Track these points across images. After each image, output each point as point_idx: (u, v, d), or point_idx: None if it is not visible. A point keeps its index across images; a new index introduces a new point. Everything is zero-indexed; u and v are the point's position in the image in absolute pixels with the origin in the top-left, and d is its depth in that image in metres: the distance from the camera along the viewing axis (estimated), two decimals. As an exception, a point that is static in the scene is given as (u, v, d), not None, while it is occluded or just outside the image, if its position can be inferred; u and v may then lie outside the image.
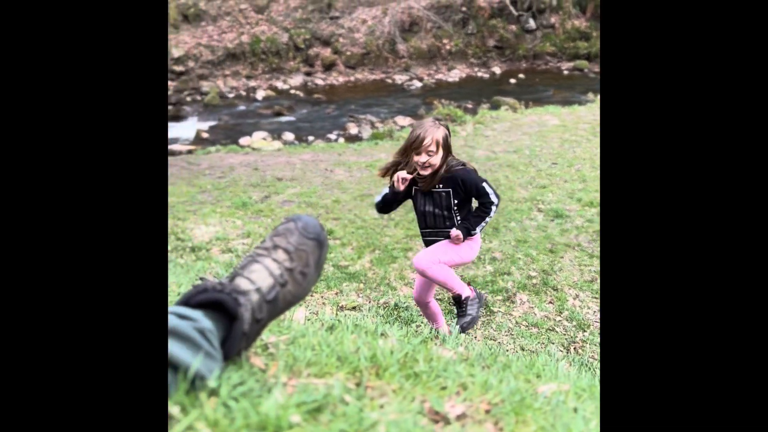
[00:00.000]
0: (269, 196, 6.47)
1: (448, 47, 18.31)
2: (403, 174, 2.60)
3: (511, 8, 18.39)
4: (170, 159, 9.19)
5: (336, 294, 3.89)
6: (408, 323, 2.95)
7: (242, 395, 0.79)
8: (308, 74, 17.53)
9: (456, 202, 2.60)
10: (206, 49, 17.45)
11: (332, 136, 11.76)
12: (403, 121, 12.41)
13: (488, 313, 3.69)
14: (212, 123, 13.22)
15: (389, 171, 2.65)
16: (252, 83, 16.88)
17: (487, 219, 2.62)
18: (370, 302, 3.79)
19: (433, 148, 2.48)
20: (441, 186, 2.58)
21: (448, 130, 2.57)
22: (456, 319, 2.80)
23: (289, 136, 11.75)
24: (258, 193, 6.63)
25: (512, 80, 16.68)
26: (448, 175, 2.55)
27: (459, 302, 2.71)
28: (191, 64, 17.03)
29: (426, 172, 2.54)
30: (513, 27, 18.59)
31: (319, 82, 17.15)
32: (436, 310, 2.96)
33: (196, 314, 0.84)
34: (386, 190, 2.74)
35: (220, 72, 17.10)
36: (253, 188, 6.84)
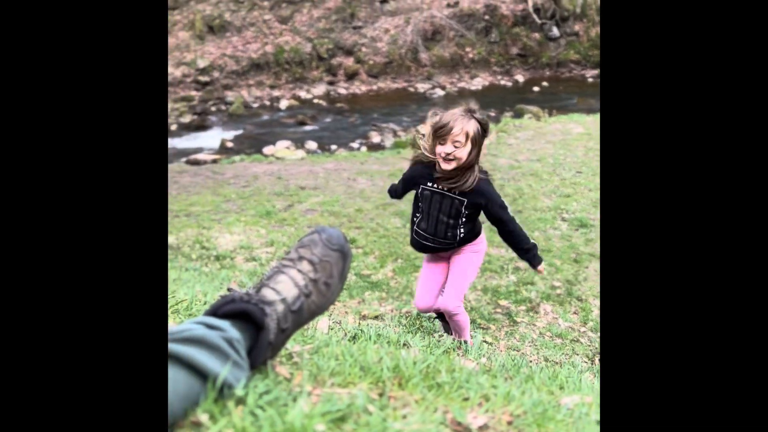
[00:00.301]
0: (292, 205, 6.53)
1: (470, 55, 18.30)
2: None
3: (535, 16, 18.33)
4: (195, 168, 9.33)
5: (358, 303, 3.90)
6: (430, 333, 2.95)
7: (268, 404, 0.81)
8: (331, 83, 17.67)
9: (467, 213, 2.35)
10: (231, 60, 17.70)
11: (355, 145, 11.82)
12: (425, 129, 12.40)
13: (511, 324, 3.67)
14: (237, 132, 13.39)
15: (417, 155, 2.39)
16: (276, 93, 17.07)
17: (516, 230, 2.44)
18: (392, 311, 3.80)
19: (461, 138, 2.16)
20: (457, 193, 2.30)
21: (482, 125, 2.23)
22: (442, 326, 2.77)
23: (312, 145, 11.85)
24: (281, 202, 6.70)
25: (536, 88, 16.59)
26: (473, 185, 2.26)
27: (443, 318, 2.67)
28: (216, 74, 17.29)
29: (449, 167, 2.21)
30: (536, 35, 18.52)
31: (342, 91, 17.27)
32: (465, 322, 2.67)
33: (224, 324, 0.87)
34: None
35: (244, 82, 17.33)
36: (277, 197, 6.91)
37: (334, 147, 11.74)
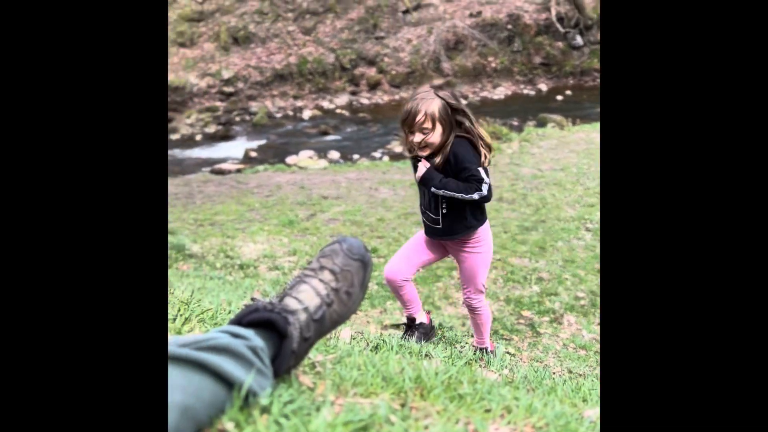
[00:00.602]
0: (315, 215, 6.58)
1: (493, 65, 18.28)
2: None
3: (558, 25, 18.25)
4: (220, 178, 9.45)
5: (380, 312, 3.91)
6: (452, 344, 2.94)
7: (293, 413, 0.82)
8: (353, 94, 17.79)
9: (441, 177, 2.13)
10: (255, 71, 17.93)
11: (377, 155, 11.87)
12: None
13: (534, 335, 3.64)
14: (260, 142, 13.54)
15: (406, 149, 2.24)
16: (299, 103, 17.23)
17: (457, 195, 2.08)
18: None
19: (428, 124, 2.02)
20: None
21: (448, 100, 2.07)
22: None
23: (334, 154, 11.92)
24: (304, 211, 6.75)
25: (559, 97, 16.49)
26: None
27: (481, 351, 2.47)
28: (240, 85, 17.53)
29: (425, 153, 2.11)
30: (560, 44, 18.43)
31: (364, 101, 17.36)
32: (412, 294, 2.49)
33: (249, 333, 0.89)
34: None
35: (268, 92, 17.53)
36: (300, 206, 6.96)
37: (356, 156, 11.80)
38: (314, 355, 1.21)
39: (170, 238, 5.46)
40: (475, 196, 2.06)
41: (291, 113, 16.55)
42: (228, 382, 0.80)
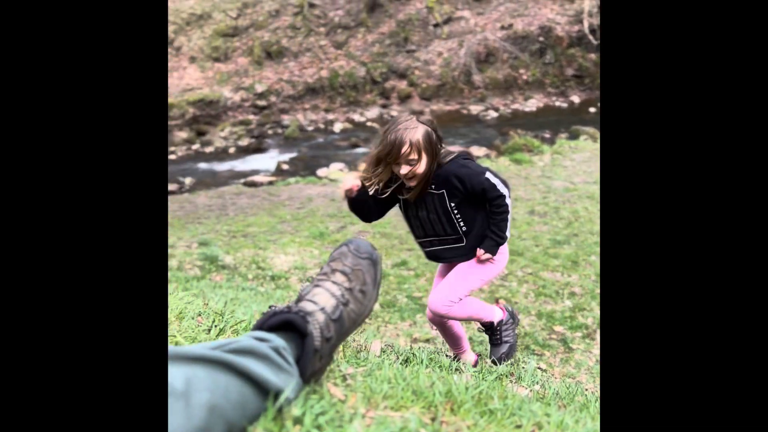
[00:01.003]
0: (345, 227, 6.61)
1: (524, 77, 18.19)
2: (350, 180, 2.07)
3: (590, 37, 18.09)
4: (252, 190, 9.59)
5: (410, 325, 3.90)
6: (482, 358, 2.92)
7: (325, 424, 0.84)
8: (384, 107, 17.90)
9: (453, 205, 2.04)
10: (287, 84, 18.20)
11: (407, 167, 11.88)
12: (478, 151, 12.37)
13: (567, 350, 3.59)
14: (292, 155, 13.70)
15: (368, 185, 2.06)
16: (330, 116, 17.40)
17: (507, 217, 2.05)
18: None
19: (414, 156, 1.92)
20: (433, 187, 2.03)
21: (430, 125, 1.99)
22: (489, 348, 2.35)
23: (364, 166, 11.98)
24: (334, 223, 6.79)
25: (592, 109, 16.30)
26: (438, 172, 2.00)
27: (492, 330, 2.26)
28: (273, 98, 17.79)
29: (412, 184, 2.01)
30: (592, 56, 18.25)
31: (395, 114, 17.44)
32: (459, 332, 2.36)
33: (270, 335, 0.92)
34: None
35: (300, 106, 17.76)
36: (330, 219, 7.01)
37: (386, 169, 11.83)
38: (345, 367, 1.22)
39: (204, 249, 5.55)
40: (507, 203, 2.04)
41: (322, 126, 16.72)
42: (254, 382, 0.82)
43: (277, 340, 0.90)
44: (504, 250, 2.19)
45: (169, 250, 5.66)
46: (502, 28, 18.71)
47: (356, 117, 17.30)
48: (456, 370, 1.63)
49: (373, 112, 17.61)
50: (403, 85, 18.27)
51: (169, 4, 18.84)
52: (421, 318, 4.04)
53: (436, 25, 18.96)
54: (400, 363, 1.48)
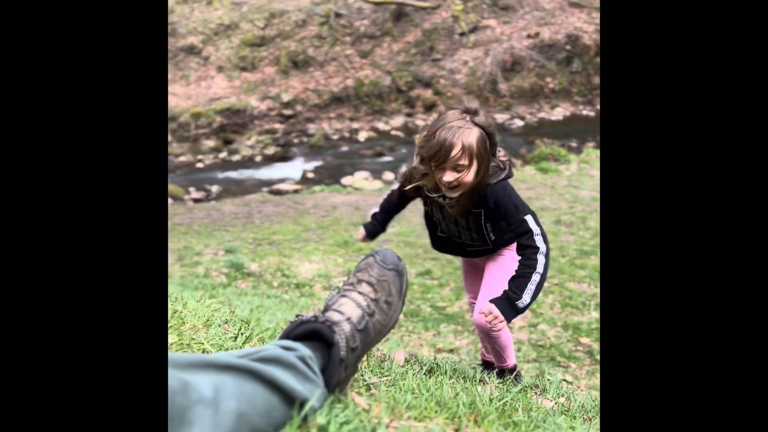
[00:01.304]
0: (370, 235, 6.63)
1: (551, 85, 18.06)
2: (361, 233, 2.07)
3: (618, 45, 17.90)
4: (278, 198, 9.68)
5: (433, 335, 3.89)
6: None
7: (348, 434, 0.84)
8: (409, 115, 17.92)
9: (488, 225, 1.82)
10: (313, 94, 18.36)
11: (432, 176, 11.87)
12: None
13: (593, 363, 3.54)
14: (317, 163, 13.80)
15: (411, 182, 1.87)
16: (355, 125, 17.50)
17: (536, 277, 1.69)
18: (467, 345, 3.76)
19: (464, 161, 1.64)
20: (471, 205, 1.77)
21: (488, 127, 1.68)
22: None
23: (389, 176, 12.01)
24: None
25: (619, 118, 16.10)
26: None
27: (502, 373, 1.98)
28: (299, 108, 17.96)
29: (454, 194, 1.72)
30: (620, 64, 18.05)
31: (420, 122, 17.45)
32: (506, 341, 2.01)
33: (297, 345, 0.93)
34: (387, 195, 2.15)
35: (325, 115, 17.89)
36: (354, 227, 7.04)
37: (411, 178, 11.83)
38: (369, 377, 1.23)
39: (230, 257, 5.62)
40: (540, 267, 1.71)
41: (347, 135, 16.82)
42: (280, 391, 0.83)
43: (303, 349, 0.92)
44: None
45: (196, 258, 5.74)
46: (529, 36, 18.63)
47: (381, 126, 17.36)
48: (480, 381, 1.62)
49: (397, 120, 17.65)
50: (428, 93, 18.29)
51: (198, 14, 19.17)
52: (445, 328, 4.02)
53: (461, 34, 18.95)
54: (424, 373, 1.48)
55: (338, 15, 19.80)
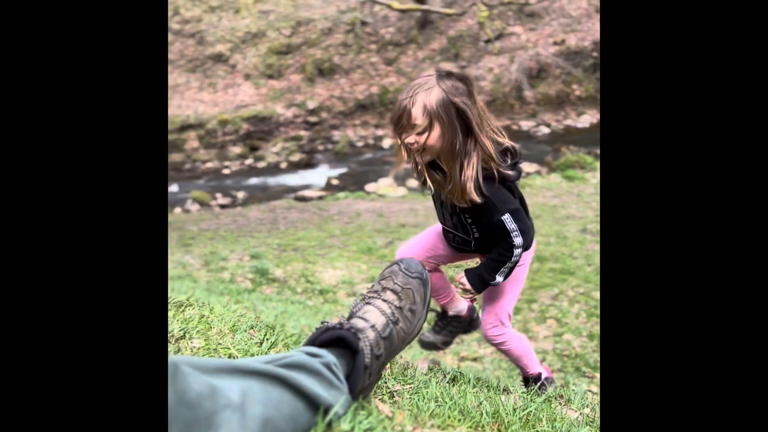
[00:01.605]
0: (393, 242, 6.63)
1: (577, 93, 17.89)
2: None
3: (646, 51, 17.68)
4: (303, 205, 9.75)
5: (456, 344, 3.87)
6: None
7: (372, 441, 0.85)
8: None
9: (470, 220, 1.75)
10: (338, 101, 18.48)
11: (456, 183, 11.83)
12: (528, 167, 12.21)
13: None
14: (341, 170, 13.87)
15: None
16: (379, 132, 17.55)
17: (508, 265, 1.72)
18: (491, 354, 3.73)
19: (419, 121, 1.51)
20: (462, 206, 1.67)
21: (453, 96, 1.52)
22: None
23: (413, 183, 12.01)
24: (382, 238, 6.83)
25: (647, 125, 15.87)
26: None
27: (530, 382, 2.01)
28: (324, 115, 18.09)
29: (424, 159, 1.62)
30: (648, 70, 17.82)
31: (445, 129, 17.42)
32: (521, 350, 2.01)
33: (322, 351, 0.94)
34: None
35: (350, 122, 17.99)
36: (378, 234, 7.05)
37: (435, 185, 11.82)
38: (392, 384, 1.23)
39: (255, 262, 5.68)
40: (514, 258, 1.70)
41: (371, 142, 16.87)
42: (305, 397, 0.84)
43: (328, 356, 0.93)
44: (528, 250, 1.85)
45: (222, 263, 5.81)
46: (555, 43, 18.50)
47: (406, 133, 17.36)
48: (504, 390, 1.61)
49: (422, 127, 17.65)
50: (452, 101, 18.24)
51: (226, 22, 19.47)
52: (468, 336, 4.00)
53: (487, 41, 18.91)
54: (447, 382, 1.48)
55: (364, 23, 19.92)
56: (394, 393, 1.18)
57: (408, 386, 1.24)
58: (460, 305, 2.17)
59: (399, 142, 1.63)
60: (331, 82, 19.30)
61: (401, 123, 1.56)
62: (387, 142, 16.46)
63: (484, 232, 1.76)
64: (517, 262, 1.74)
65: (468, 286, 1.78)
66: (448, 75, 1.57)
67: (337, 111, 18.24)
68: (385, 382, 1.24)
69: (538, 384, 1.96)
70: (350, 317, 1.07)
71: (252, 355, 1.28)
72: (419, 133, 1.55)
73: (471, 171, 1.58)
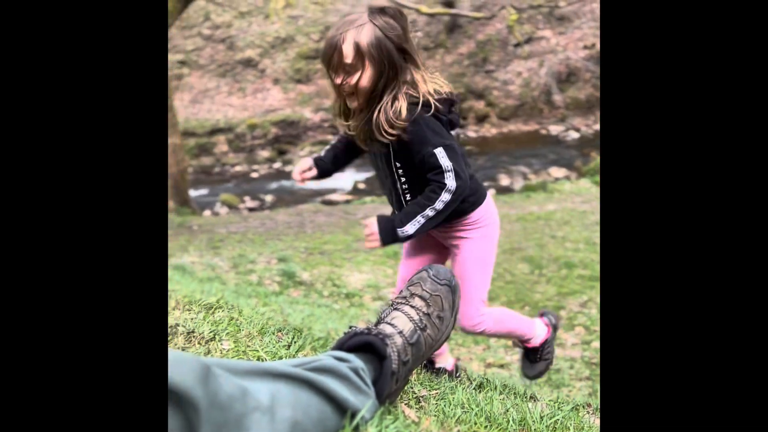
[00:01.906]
0: (420, 247, 6.63)
1: (607, 97, 17.66)
2: (302, 165, 1.73)
3: (679, 55, 17.36)
4: (330, 208, 9.81)
5: (483, 350, 3.85)
6: (558, 387, 2.84)
7: (399, 446, 0.85)
8: (460, 127, 17.85)
9: (398, 165, 1.55)
10: (366, 105, 18.56)
11: (483, 188, 11.78)
12: (557, 172, 12.10)
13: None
14: (368, 174, 13.90)
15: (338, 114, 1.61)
16: (407, 136, 17.57)
17: (430, 212, 1.46)
18: (519, 361, 3.70)
19: (352, 60, 1.41)
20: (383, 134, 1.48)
21: (387, 32, 1.43)
22: (522, 362, 1.97)
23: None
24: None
25: (680, 130, 15.57)
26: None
27: (533, 350, 1.91)
28: (352, 119, 18.20)
29: (354, 104, 1.49)
30: (681, 74, 17.49)
31: (471, 134, 17.36)
32: (509, 326, 1.85)
33: (350, 356, 0.95)
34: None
35: (377, 126, 18.05)
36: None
37: (462, 189, 11.78)
38: (418, 389, 1.24)
39: (282, 265, 5.73)
40: (440, 203, 1.46)
41: (399, 146, 16.88)
42: (333, 401, 0.85)
43: (356, 360, 0.94)
44: (489, 218, 1.69)
45: (250, 266, 5.87)
46: (585, 47, 18.29)
47: (433, 137, 17.33)
48: (531, 398, 1.60)
49: (449, 132, 17.60)
50: (480, 105, 18.20)
51: (256, 28, 19.72)
52: (495, 342, 3.98)
53: (516, 45, 18.79)
54: (474, 388, 1.48)
55: (392, 27, 19.95)
56: (420, 398, 1.18)
57: (434, 392, 1.24)
58: (448, 359, 1.94)
59: (330, 82, 1.50)
60: (358, 86, 19.38)
61: (332, 62, 1.45)
62: (414, 147, 16.44)
63: (413, 178, 1.55)
64: (442, 212, 1.47)
65: (372, 230, 1.51)
66: (381, 11, 1.45)
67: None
68: (411, 387, 1.24)
69: (543, 351, 1.85)
70: (378, 323, 1.07)
71: (280, 357, 1.29)
72: (349, 73, 1.44)
73: (399, 103, 1.45)
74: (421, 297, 1.11)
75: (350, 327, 1.04)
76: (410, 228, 1.49)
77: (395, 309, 1.10)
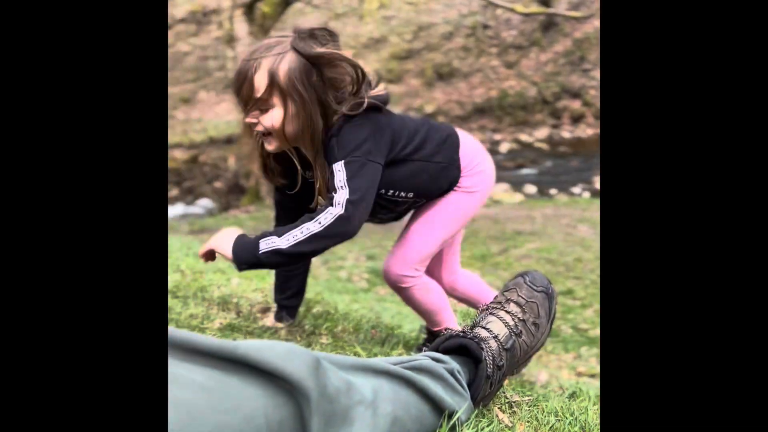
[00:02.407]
0: (507, 250, 6.53)
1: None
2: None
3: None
4: (418, 207, 9.85)
5: (574, 358, 3.75)
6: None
7: (495, 448, 0.87)
8: (554, 127, 17.35)
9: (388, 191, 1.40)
10: (456, 105, 18.46)
11: (576, 190, 11.41)
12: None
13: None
14: (457, 174, 13.84)
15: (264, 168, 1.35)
16: (497, 136, 17.30)
17: (313, 227, 1.20)
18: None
19: (266, 94, 1.18)
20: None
21: (308, 56, 1.17)
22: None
23: (530, 189, 11.72)
24: (497, 245, 6.74)
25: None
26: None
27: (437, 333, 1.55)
28: (442, 119, 18.14)
29: (271, 147, 1.25)
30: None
31: (566, 134, 16.83)
32: (436, 304, 1.58)
33: (446, 357, 0.97)
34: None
35: (467, 126, 17.89)
36: (492, 240, 6.97)
37: (553, 191, 11.47)
38: (511, 395, 1.24)
39: (371, 263, 5.84)
40: (313, 230, 1.20)
41: (488, 146, 16.65)
42: (431, 400, 0.88)
43: (452, 362, 0.96)
44: (489, 177, 1.48)
45: (339, 262, 6.03)
46: (692, 43, 17.23)
47: (524, 137, 16.99)
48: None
49: (542, 132, 17.17)
50: (576, 104, 17.61)
51: (349, 29, 20.13)
52: (586, 351, 3.86)
53: (615, 43, 18.00)
54: (567, 397, 1.46)
55: (486, 26, 19.74)
56: (513, 404, 1.18)
57: (527, 398, 1.24)
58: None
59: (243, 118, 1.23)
60: (449, 86, 19.32)
61: (242, 93, 1.19)
62: (505, 147, 16.19)
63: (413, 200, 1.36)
64: (326, 228, 1.20)
65: (223, 251, 1.21)
66: (311, 35, 1.20)
67: (454, 115, 18.22)
68: (504, 392, 1.25)
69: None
70: (473, 327, 1.09)
71: (375, 354, 1.34)
72: (263, 111, 1.20)
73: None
74: (516, 303, 1.12)
75: (445, 329, 1.07)
76: (264, 246, 1.22)
77: (490, 314, 1.11)
